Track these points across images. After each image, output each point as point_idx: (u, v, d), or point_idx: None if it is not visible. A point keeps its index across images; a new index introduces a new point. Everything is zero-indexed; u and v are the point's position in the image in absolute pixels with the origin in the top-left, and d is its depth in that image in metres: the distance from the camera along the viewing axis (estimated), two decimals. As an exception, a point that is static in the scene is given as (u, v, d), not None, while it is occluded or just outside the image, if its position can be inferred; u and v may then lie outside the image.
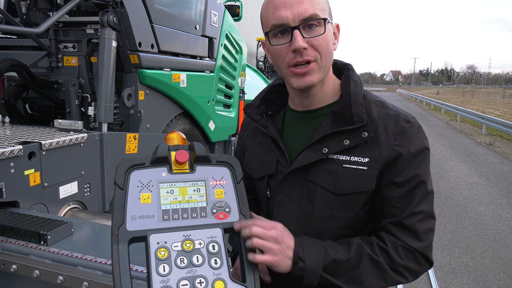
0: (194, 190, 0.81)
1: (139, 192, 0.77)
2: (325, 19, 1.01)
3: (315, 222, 1.09)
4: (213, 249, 0.77)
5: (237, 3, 5.01)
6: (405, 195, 1.03)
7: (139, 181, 0.78)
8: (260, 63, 23.34)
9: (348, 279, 0.99)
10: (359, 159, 1.04)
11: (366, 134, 1.03)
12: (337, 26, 1.11)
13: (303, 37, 0.98)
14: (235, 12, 4.94)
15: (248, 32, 26.80)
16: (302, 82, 1.03)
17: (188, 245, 0.76)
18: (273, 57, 1.08)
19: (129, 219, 0.74)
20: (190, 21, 3.84)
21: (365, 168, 1.03)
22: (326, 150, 1.05)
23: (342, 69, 1.18)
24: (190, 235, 0.77)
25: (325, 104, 1.13)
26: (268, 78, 7.26)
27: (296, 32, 0.98)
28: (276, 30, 1.02)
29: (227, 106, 4.76)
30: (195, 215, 0.79)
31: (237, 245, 1.14)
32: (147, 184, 0.79)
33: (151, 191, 0.78)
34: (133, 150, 2.98)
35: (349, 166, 1.04)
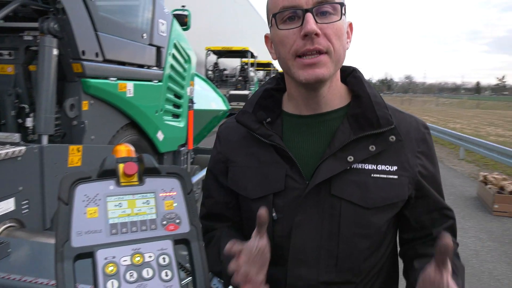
0: (144, 203, 0.80)
1: (85, 206, 0.75)
2: (341, 4, 0.89)
3: (343, 242, 0.95)
4: (164, 261, 0.76)
5: (185, 12, 4.99)
6: (440, 198, 1.02)
7: (85, 195, 0.75)
8: (209, 72, 23.25)
9: None
10: (387, 168, 0.95)
11: (394, 137, 0.94)
12: (350, 25, 0.99)
13: (316, 22, 0.86)
14: (183, 21, 4.91)
15: (197, 41, 26.68)
16: (311, 74, 0.89)
17: (137, 258, 0.74)
18: (278, 46, 0.94)
19: (74, 235, 0.71)
20: (137, 29, 3.77)
21: (396, 177, 0.94)
22: (352, 158, 0.93)
23: (344, 72, 1.07)
24: (139, 248, 0.75)
25: (335, 108, 1.01)
26: (217, 87, 7.26)
27: (309, 14, 0.86)
28: (286, 13, 0.89)
29: (176, 115, 4.70)
30: (145, 228, 0.78)
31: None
32: (93, 198, 0.76)
33: (98, 205, 0.76)
34: (77, 163, 2.84)
35: (378, 175, 0.94)
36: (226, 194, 1.11)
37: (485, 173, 7.16)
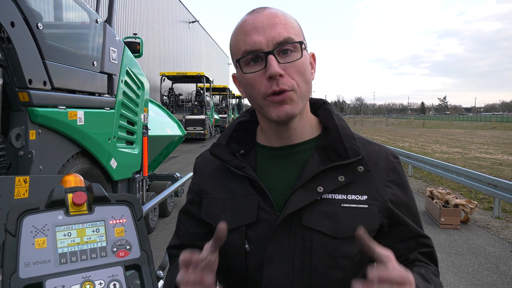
0: (93, 231, 0.81)
1: (33, 237, 0.75)
2: (301, 43, 0.93)
3: (316, 274, 0.94)
4: (115, 287, 0.78)
5: (137, 40, 5.01)
6: (415, 226, 1.03)
7: (33, 226, 0.76)
8: (165, 97, 23.06)
9: None
10: (357, 197, 0.96)
11: (362, 168, 0.96)
12: (313, 56, 1.03)
13: (279, 62, 0.90)
14: (135, 48, 4.92)
15: (151, 67, 26.53)
16: (282, 111, 0.92)
17: (87, 286, 0.75)
18: (246, 88, 0.97)
19: (22, 266, 0.72)
20: (87, 57, 3.73)
21: (366, 206, 0.96)
22: (322, 188, 0.95)
23: (315, 104, 1.11)
24: (89, 276, 0.76)
25: (305, 139, 1.04)
26: (173, 113, 7.24)
27: (271, 57, 0.89)
28: (249, 56, 0.92)
29: (130, 142, 4.63)
30: (95, 256, 0.79)
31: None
32: (41, 229, 0.77)
33: (46, 236, 0.76)
34: (24, 194, 2.72)
35: (348, 205, 0.95)
36: (197, 225, 1.12)
37: (431, 189, 7.60)
